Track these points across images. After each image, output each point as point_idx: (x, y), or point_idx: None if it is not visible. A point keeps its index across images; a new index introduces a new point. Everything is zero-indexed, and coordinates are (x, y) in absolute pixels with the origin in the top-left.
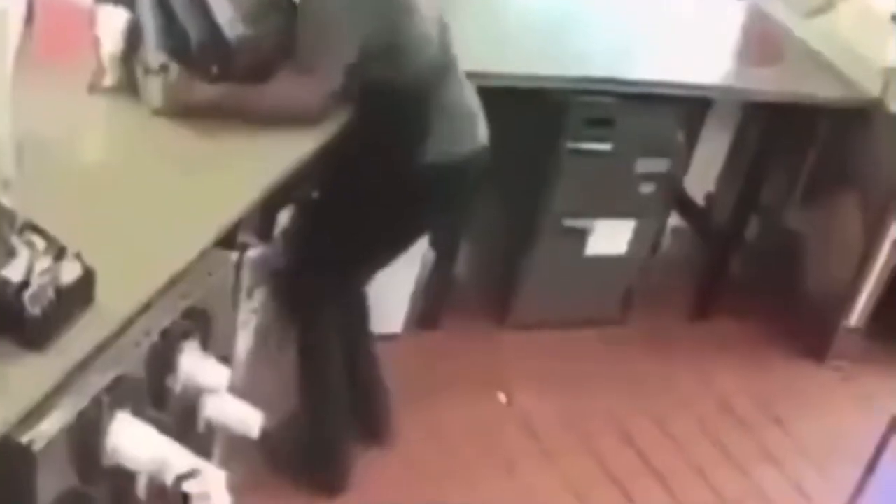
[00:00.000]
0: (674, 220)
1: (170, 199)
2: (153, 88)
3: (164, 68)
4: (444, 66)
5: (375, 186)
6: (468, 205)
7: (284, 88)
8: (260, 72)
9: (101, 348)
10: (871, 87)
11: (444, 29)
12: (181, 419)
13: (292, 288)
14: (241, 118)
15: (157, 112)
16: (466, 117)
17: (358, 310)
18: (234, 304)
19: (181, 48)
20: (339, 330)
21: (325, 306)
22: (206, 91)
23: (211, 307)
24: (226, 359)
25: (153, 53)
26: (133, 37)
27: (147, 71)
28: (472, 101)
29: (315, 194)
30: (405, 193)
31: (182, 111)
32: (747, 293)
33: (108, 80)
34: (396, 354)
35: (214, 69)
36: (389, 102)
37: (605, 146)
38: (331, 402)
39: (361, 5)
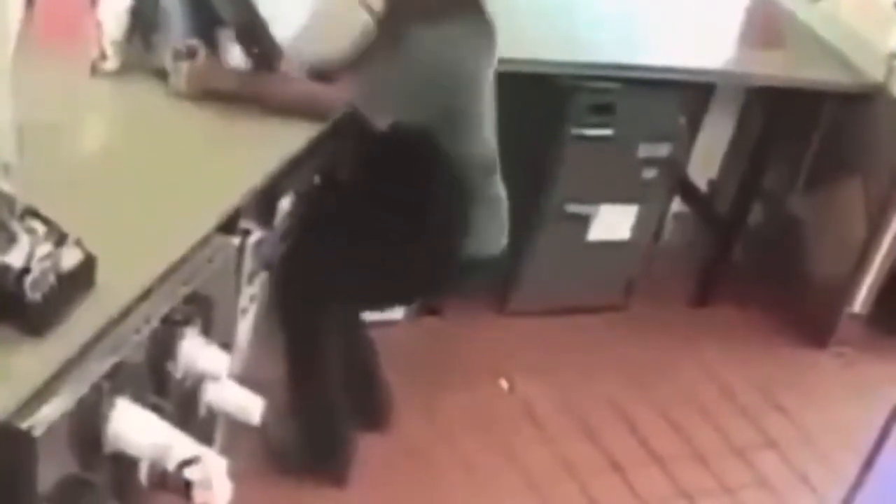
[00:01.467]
0: (676, 206)
1: (171, 185)
2: (179, 73)
3: (191, 53)
4: (495, 161)
5: (393, 232)
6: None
7: (311, 83)
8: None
9: (101, 334)
10: (875, 72)
11: (494, 125)
12: (182, 406)
13: (289, 275)
14: (260, 105)
15: (183, 96)
16: (500, 221)
17: None
18: (236, 291)
19: (212, 32)
20: (336, 320)
21: (321, 294)
22: (230, 76)
23: (212, 293)
24: (227, 345)
25: (180, 38)
26: (137, 20)
27: (175, 56)
28: (505, 206)
29: (317, 180)
30: (416, 260)
31: (206, 95)
32: (750, 280)
33: (110, 64)
34: (398, 341)
35: (255, 49)
36: (448, 182)
37: (607, 131)
38: (330, 392)
39: (443, 79)
